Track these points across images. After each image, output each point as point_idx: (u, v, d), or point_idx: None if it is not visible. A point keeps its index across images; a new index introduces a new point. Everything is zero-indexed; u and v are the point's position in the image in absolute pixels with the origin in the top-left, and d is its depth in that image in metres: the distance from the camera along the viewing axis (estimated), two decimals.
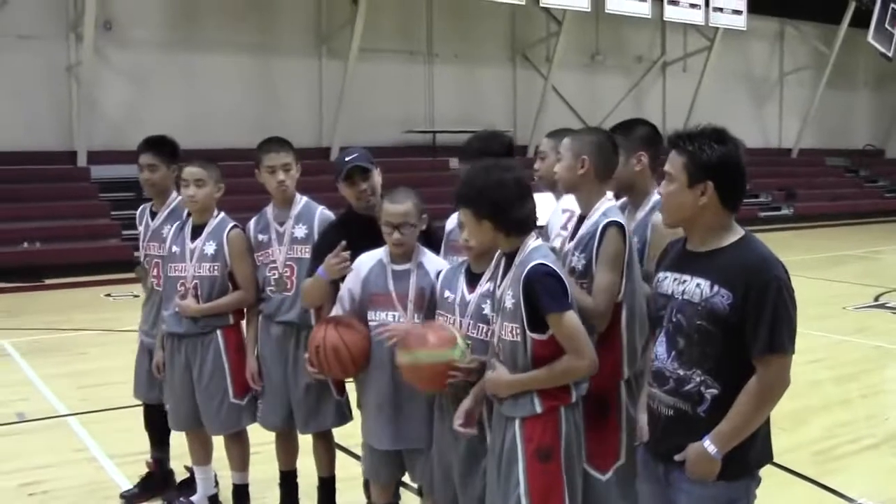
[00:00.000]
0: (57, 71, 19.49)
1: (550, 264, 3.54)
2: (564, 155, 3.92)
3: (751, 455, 3.26)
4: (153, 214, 5.74)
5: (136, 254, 5.73)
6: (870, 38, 30.31)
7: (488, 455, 3.77)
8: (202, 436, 5.51)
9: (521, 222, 3.64)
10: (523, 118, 25.64)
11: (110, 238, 17.43)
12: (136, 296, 5.85)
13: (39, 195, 18.34)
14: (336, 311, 4.48)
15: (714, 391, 3.21)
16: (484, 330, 3.81)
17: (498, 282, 3.71)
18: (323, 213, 5.19)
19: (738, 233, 3.30)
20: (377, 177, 4.84)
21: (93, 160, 19.47)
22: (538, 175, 4.51)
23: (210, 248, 5.24)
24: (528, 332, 3.51)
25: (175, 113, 18.91)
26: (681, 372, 3.29)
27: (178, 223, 5.45)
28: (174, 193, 5.70)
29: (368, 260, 4.39)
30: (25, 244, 17.24)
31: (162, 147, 5.66)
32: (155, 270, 5.63)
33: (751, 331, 3.13)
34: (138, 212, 5.89)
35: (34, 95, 19.14)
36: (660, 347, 3.39)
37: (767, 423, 3.31)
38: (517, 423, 3.58)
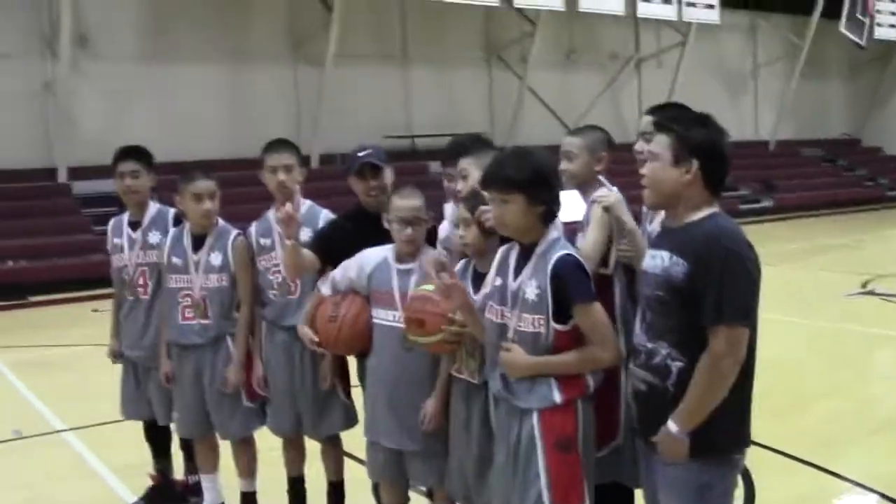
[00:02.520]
0: (34, 88, 19.41)
1: (577, 255, 3.57)
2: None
3: (719, 435, 3.22)
4: (133, 224, 5.65)
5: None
6: (842, 28, 30.50)
7: (496, 448, 3.75)
8: (211, 443, 5.50)
9: (556, 211, 3.66)
10: (500, 119, 25.67)
11: (94, 253, 17.12)
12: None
13: (21, 212, 18.24)
14: (324, 289, 4.59)
15: (679, 364, 3.23)
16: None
17: (511, 275, 3.66)
18: (327, 216, 5.18)
19: (708, 210, 3.32)
20: (388, 175, 4.88)
21: (73, 176, 19.39)
22: (568, 174, 4.46)
23: (216, 259, 5.24)
24: (551, 322, 3.50)
25: (153, 125, 18.88)
26: (649, 345, 3.33)
27: (173, 233, 5.43)
28: (151, 203, 5.66)
29: (374, 256, 4.42)
30: (9, 262, 17.12)
31: (143, 154, 5.61)
32: (141, 279, 5.57)
33: (702, 301, 3.14)
34: (111, 225, 5.77)
35: (12, 113, 19.04)
36: (636, 323, 3.45)
37: (741, 403, 3.28)
38: (535, 415, 3.56)
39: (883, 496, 5.79)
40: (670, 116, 3.42)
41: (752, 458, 3.54)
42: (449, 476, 4.19)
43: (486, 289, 3.81)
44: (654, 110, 4.24)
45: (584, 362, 3.55)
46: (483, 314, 3.78)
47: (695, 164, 3.26)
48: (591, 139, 4.24)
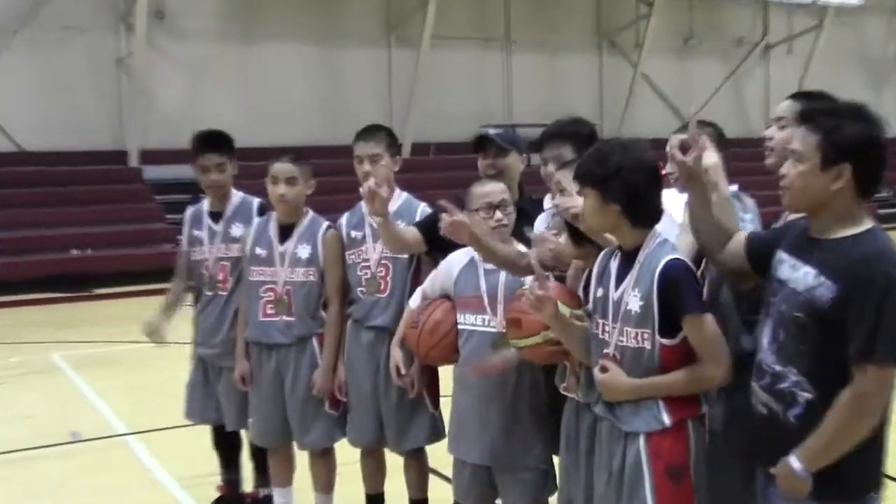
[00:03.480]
0: (106, 64, 19.86)
1: (686, 260, 3.46)
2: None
3: (849, 477, 3.09)
4: (214, 216, 5.71)
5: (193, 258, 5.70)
6: None
7: (596, 474, 3.66)
8: (287, 453, 5.51)
9: (652, 212, 3.53)
10: (610, 110, 25.49)
11: (165, 243, 17.52)
12: (191, 306, 5.87)
13: (89, 198, 18.63)
14: (412, 302, 4.67)
15: (808, 395, 3.09)
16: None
17: (612, 284, 3.57)
18: (425, 211, 5.17)
19: (864, 224, 3.13)
20: (515, 162, 4.89)
21: (146, 160, 19.77)
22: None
23: (304, 252, 5.26)
24: (657, 336, 3.40)
25: (233, 108, 19.13)
26: (777, 367, 3.19)
27: (258, 222, 5.47)
28: (233, 191, 5.73)
29: (459, 259, 4.44)
30: (74, 251, 17.48)
31: (225, 143, 5.65)
32: (221, 274, 5.62)
33: (851, 332, 2.97)
34: (189, 214, 5.84)
35: (82, 91, 19.50)
36: (763, 338, 3.29)
37: (878, 441, 3.12)
38: (641, 438, 3.45)
39: None
40: (821, 109, 3.21)
41: (888, 496, 3.36)
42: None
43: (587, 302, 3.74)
44: (798, 96, 4.07)
45: (692, 383, 3.43)
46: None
47: (847, 169, 3.07)
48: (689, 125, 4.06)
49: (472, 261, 4.39)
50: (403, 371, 4.82)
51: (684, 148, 3.43)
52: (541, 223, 4.54)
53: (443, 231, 3.95)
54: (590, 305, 3.69)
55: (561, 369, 3.96)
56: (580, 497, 3.84)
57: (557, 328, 3.68)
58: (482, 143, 4.88)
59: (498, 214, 4.26)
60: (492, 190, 4.35)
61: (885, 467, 3.20)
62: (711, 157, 3.77)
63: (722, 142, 4.04)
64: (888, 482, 3.31)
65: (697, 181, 3.50)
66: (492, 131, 4.94)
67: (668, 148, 3.75)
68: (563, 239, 3.90)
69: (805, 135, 3.13)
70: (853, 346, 2.97)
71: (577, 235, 3.80)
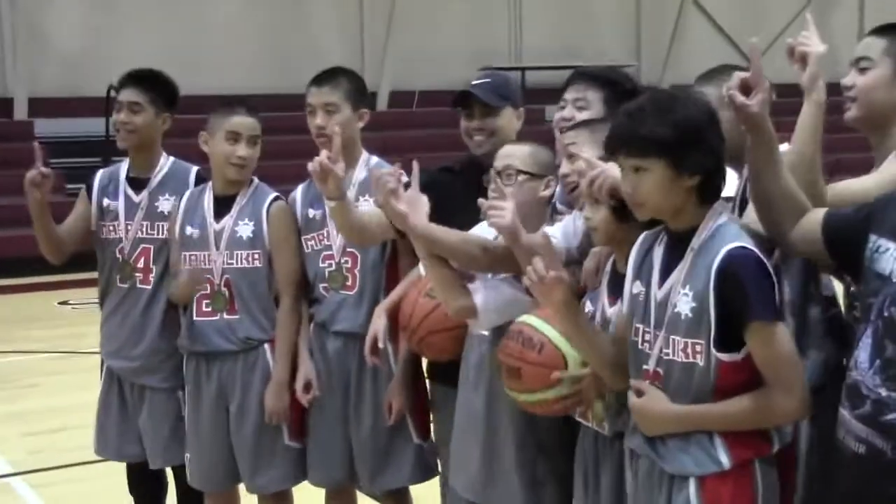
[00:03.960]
0: None
1: (755, 249, 3.39)
2: None
3: None
4: (134, 183, 5.70)
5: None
6: None
7: None
8: (231, 498, 5.55)
9: (721, 182, 3.51)
10: (651, 47, 25.56)
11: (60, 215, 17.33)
12: (99, 303, 5.86)
13: None
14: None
15: None
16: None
17: (656, 278, 3.55)
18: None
19: None
20: (508, 118, 4.87)
21: (37, 111, 19.66)
22: None
23: (245, 230, 5.29)
24: (713, 349, 3.36)
25: (153, 46, 18.98)
26: (883, 392, 3.15)
27: (188, 195, 5.48)
28: (163, 154, 5.73)
29: (485, 232, 4.31)
30: None
31: (151, 83, 5.66)
32: (142, 261, 5.59)
33: None
34: (98, 178, 5.82)
35: None
36: (862, 352, 3.25)
37: None
38: (692, 483, 3.44)
39: None
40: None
41: None
42: None
43: (626, 297, 3.69)
44: (887, 29, 4.00)
45: (756, 414, 3.41)
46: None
47: None
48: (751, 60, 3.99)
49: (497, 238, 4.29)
50: (381, 344, 4.82)
51: (746, 88, 3.44)
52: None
53: (528, 282, 3.68)
54: (623, 306, 3.67)
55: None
56: None
57: (569, 325, 3.63)
58: (464, 99, 4.86)
59: (493, 185, 4.14)
60: (502, 153, 4.33)
61: None
62: (818, 46, 3.73)
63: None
64: None
65: (763, 131, 3.50)
66: (475, 81, 4.91)
67: (724, 89, 3.74)
68: (600, 219, 3.75)
69: (872, 40, 3.42)
70: None
71: (622, 212, 3.66)
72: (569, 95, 4.47)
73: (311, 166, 4.54)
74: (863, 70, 3.87)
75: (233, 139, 5.18)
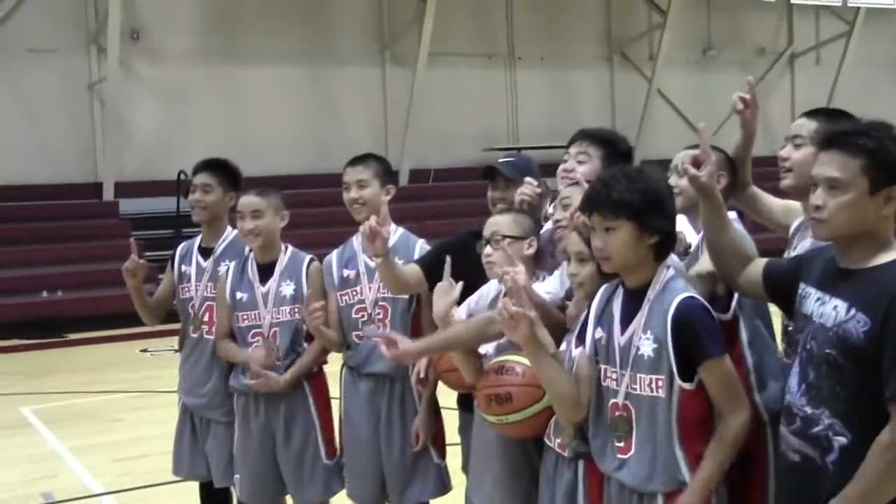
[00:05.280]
0: (77, 89, 19.83)
1: (701, 298, 3.42)
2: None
3: None
4: (204, 252, 5.73)
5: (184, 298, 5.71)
6: None
7: None
8: None
9: (672, 245, 3.54)
10: (624, 128, 25.18)
11: (145, 283, 17.20)
12: (177, 350, 5.91)
13: (60, 235, 18.55)
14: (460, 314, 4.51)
15: (843, 440, 3.07)
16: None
17: (617, 325, 3.52)
18: (423, 246, 5.20)
19: None
20: (526, 190, 4.62)
21: (121, 193, 19.67)
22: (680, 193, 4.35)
23: (287, 290, 5.33)
24: (676, 381, 3.35)
25: (216, 135, 19.07)
26: (808, 410, 3.17)
27: (234, 265, 5.50)
28: (228, 227, 5.76)
29: (491, 291, 4.31)
30: (45, 293, 17.40)
31: (221, 168, 5.71)
32: (207, 316, 5.63)
33: (886, 369, 2.96)
34: (179, 249, 5.89)
35: (51, 118, 19.43)
36: (792, 378, 3.28)
37: None
38: (659, 499, 3.41)
39: None
40: (850, 131, 3.20)
41: None
42: None
43: (582, 342, 3.66)
44: (815, 113, 4.07)
45: (733, 444, 3.37)
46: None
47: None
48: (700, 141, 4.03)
49: (500, 293, 4.18)
50: (422, 375, 4.97)
51: (696, 163, 3.46)
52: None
53: (499, 316, 3.65)
54: (587, 349, 3.62)
55: (554, 423, 3.84)
56: None
57: (533, 354, 3.56)
58: (491, 173, 4.84)
59: (487, 249, 4.19)
60: (490, 222, 4.30)
61: None
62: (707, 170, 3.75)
63: (731, 168, 4.11)
64: None
65: (712, 195, 3.52)
66: (501, 159, 4.90)
67: (675, 163, 3.92)
68: (586, 275, 3.73)
69: (843, 159, 3.10)
70: (889, 384, 2.95)
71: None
72: (573, 150, 4.40)
73: (363, 228, 4.55)
74: (797, 146, 3.92)
75: (241, 216, 5.26)
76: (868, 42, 28.02)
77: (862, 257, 3.13)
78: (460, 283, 4.29)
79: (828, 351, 3.10)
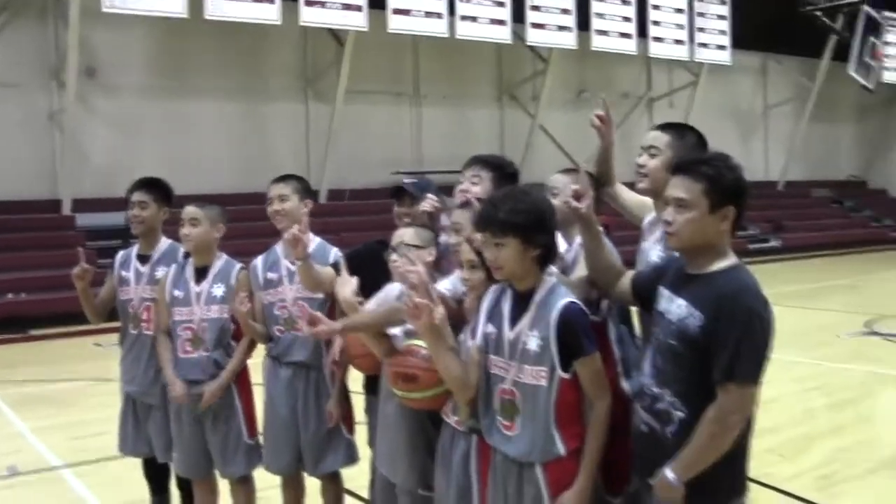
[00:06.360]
0: (39, 118, 19.39)
1: (580, 303, 3.47)
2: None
3: (716, 485, 3.20)
4: (142, 258, 5.66)
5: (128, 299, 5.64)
6: (851, 71, 30.61)
7: (492, 501, 3.61)
8: (211, 483, 5.46)
9: (554, 256, 3.57)
10: (511, 157, 24.96)
11: (97, 286, 17.01)
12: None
13: (24, 244, 18.14)
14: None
15: (681, 414, 3.20)
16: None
17: (506, 323, 3.54)
18: (337, 254, 5.19)
19: (731, 259, 3.27)
20: (426, 205, 4.61)
21: (78, 208, 19.32)
22: None
23: (218, 291, 5.27)
24: (557, 372, 3.40)
25: (162, 159, 18.82)
26: (655, 390, 3.29)
27: (175, 267, 5.42)
28: (163, 237, 5.69)
29: (395, 291, 4.31)
30: (10, 295, 17.04)
31: (154, 187, 5.62)
32: (145, 314, 5.56)
33: (715, 356, 3.08)
34: (119, 256, 5.78)
35: (16, 144, 19.01)
36: (645, 363, 3.40)
37: (740, 453, 3.24)
38: (538, 468, 3.45)
39: None
40: (695, 160, 3.32)
41: (754, 497, 3.47)
42: None
43: (474, 335, 3.66)
44: (665, 127, 4.19)
45: (604, 427, 3.44)
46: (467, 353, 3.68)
47: (731, 210, 3.21)
48: (578, 178, 4.02)
49: (402, 293, 4.20)
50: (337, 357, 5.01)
51: (577, 196, 3.51)
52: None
53: (405, 305, 3.63)
54: (478, 340, 3.63)
55: (453, 402, 3.84)
56: None
57: (431, 342, 3.56)
58: (398, 193, 4.86)
59: (393, 257, 4.22)
60: (396, 234, 4.34)
61: (748, 472, 3.31)
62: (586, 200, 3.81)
63: (594, 184, 4.13)
64: (751, 485, 3.40)
65: (591, 223, 3.60)
66: (406, 180, 4.93)
67: (550, 184, 4.04)
68: (477, 280, 3.72)
69: (689, 184, 3.21)
70: (717, 368, 3.07)
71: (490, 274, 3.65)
72: (467, 173, 4.40)
73: (286, 235, 4.57)
74: (652, 155, 4.03)
75: (181, 223, 5.21)
76: (711, 91, 28.74)
77: (703, 264, 3.24)
78: (356, 277, 4.27)
79: (671, 341, 3.22)
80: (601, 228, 3.82)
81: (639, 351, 3.89)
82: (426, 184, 4.89)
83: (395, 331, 4.10)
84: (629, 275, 3.67)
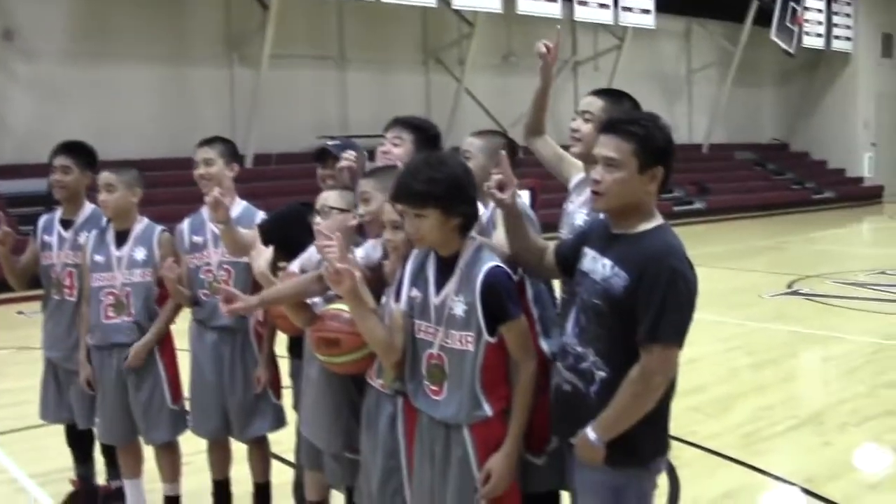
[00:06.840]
0: None
1: (505, 266, 3.45)
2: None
3: (637, 445, 3.21)
4: (65, 223, 5.57)
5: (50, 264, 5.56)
6: (772, 36, 31.01)
7: (417, 467, 3.62)
8: (135, 448, 5.42)
9: (474, 222, 3.52)
10: (437, 121, 24.66)
11: (20, 254, 16.64)
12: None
13: None
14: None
15: (603, 374, 3.20)
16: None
17: (431, 288, 3.51)
18: (263, 217, 5.11)
19: (657, 220, 3.28)
20: (345, 159, 4.55)
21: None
22: None
23: (140, 254, 5.18)
24: (484, 336, 3.38)
25: (85, 125, 18.41)
26: (579, 349, 3.29)
27: (95, 232, 5.33)
28: (86, 202, 5.58)
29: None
30: None
31: (77, 151, 5.52)
32: (68, 280, 5.48)
33: (639, 317, 3.09)
34: (41, 221, 5.66)
35: None
36: (568, 323, 3.39)
37: (662, 413, 3.27)
38: (465, 430, 3.45)
39: (804, 490, 5.98)
40: (625, 119, 3.30)
41: (677, 455, 3.58)
42: (358, 484, 4.08)
43: (398, 298, 3.63)
44: (600, 92, 4.14)
45: (531, 389, 3.45)
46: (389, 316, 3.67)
47: (660, 171, 3.20)
48: (491, 142, 4.09)
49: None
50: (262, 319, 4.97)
51: (500, 186, 3.47)
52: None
53: (325, 270, 3.60)
54: (402, 304, 3.60)
55: (378, 366, 3.84)
56: (375, 480, 3.81)
57: (354, 307, 3.51)
58: (321, 155, 4.79)
59: (317, 219, 4.13)
60: (321, 196, 4.26)
61: (669, 431, 3.35)
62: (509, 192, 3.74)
63: (513, 150, 4.12)
64: (675, 442, 3.46)
65: (513, 211, 3.56)
66: (330, 143, 4.86)
67: (463, 150, 4.01)
68: (399, 240, 3.65)
69: (619, 143, 3.19)
70: (641, 329, 3.08)
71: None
72: (389, 135, 4.33)
73: (207, 199, 4.53)
74: (587, 120, 3.97)
75: (99, 189, 5.12)
76: (635, 55, 28.91)
77: (629, 225, 3.24)
78: (270, 248, 4.27)
79: (595, 301, 3.21)
80: (528, 191, 3.86)
81: (557, 310, 3.90)
82: (348, 143, 4.83)
83: (315, 299, 4.07)
84: (551, 249, 3.65)
